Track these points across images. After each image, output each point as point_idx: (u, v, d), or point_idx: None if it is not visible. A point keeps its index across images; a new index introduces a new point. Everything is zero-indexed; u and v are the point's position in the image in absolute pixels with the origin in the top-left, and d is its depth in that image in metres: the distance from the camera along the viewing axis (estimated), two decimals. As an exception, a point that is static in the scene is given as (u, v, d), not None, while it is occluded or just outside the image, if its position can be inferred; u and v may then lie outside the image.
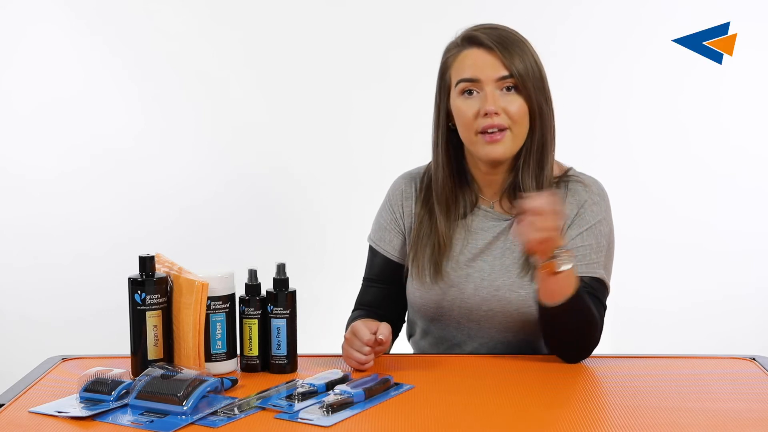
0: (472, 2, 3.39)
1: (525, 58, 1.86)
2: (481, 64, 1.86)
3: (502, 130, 1.85)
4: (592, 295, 1.86)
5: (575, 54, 3.43)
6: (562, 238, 1.75)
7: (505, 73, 1.85)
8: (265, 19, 3.52)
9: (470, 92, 1.87)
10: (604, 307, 1.90)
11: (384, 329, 1.77)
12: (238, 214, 3.56)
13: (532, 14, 3.37)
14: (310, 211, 3.58)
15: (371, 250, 2.04)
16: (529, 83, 1.86)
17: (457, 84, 1.88)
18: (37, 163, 3.53)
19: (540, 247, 1.72)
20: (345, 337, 1.80)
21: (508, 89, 1.86)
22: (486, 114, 1.84)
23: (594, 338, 1.83)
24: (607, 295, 1.92)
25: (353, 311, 2.05)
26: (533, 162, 1.89)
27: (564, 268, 1.73)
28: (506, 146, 1.86)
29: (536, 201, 1.70)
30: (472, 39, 1.88)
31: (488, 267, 1.92)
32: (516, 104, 1.86)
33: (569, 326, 1.79)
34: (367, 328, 1.76)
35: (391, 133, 3.51)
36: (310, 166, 3.57)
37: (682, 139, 3.49)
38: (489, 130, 1.85)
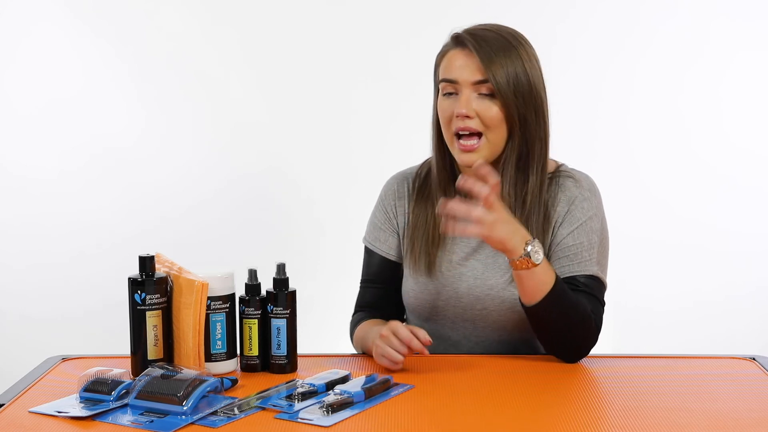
0: (472, 2, 3.39)
1: (509, 65, 1.83)
2: (461, 65, 1.85)
3: (475, 135, 1.85)
4: (588, 293, 1.85)
5: (575, 54, 3.43)
6: (527, 231, 1.75)
7: (481, 77, 1.84)
8: (265, 19, 3.52)
9: (450, 93, 1.87)
10: (602, 304, 1.89)
11: (423, 334, 1.76)
12: (238, 213, 3.57)
13: (532, 14, 3.37)
14: (310, 211, 3.58)
15: (367, 250, 2.04)
16: (508, 91, 1.83)
17: (440, 83, 1.89)
18: (37, 163, 3.53)
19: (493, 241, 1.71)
20: (381, 334, 1.77)
21: (486, 94, 1.85)
22: (458, 116, 1.84)
23: (588, 336, 1.82)
24: (604, 291, 1.91)
25: (354, 314, 2.04)
26: (513, 171, 1.88)
27: (539, 258, 1.72)
28: (481, 154, 1.85)
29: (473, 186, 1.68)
30: (457, 39, 1.88)
31: (481, 266, 1.91)
32: (491, 110, 1.84)
33: (558, 324, 1.79)
34: (406, 329, 1.75)
35: (391, 134, 3.51)
36: (310, 166, 3.57)
37: (683, 139, 3.49)
38: (461, 132, 1.85)
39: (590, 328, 1.82)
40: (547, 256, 1.88)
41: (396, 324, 1.77)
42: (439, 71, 1.91)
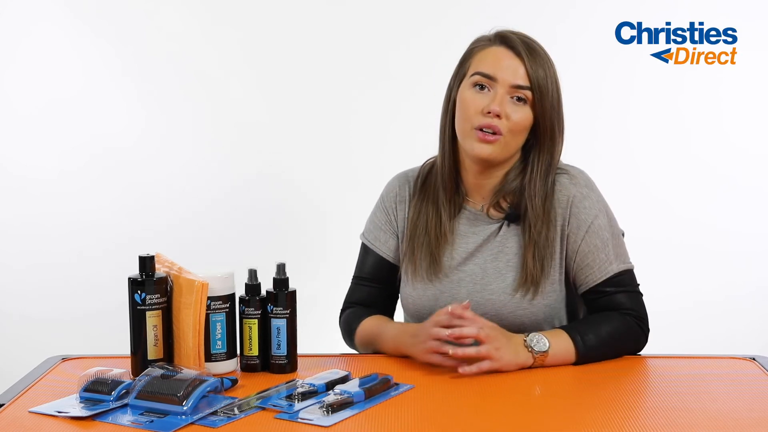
0: (472, 3, 3.39)
1: (548, 78, 1.86)
2: (505, 65, 1.85)
3: (496, 133, 1.84)
4: (622, 291, 1.87)
5: (575, 54, 3.43)
6: (517, 336, 1.78)
7: (524, 83, 1.84)
8: (265, 19, 3.52)
9: (482, 87, 1.86)
10: (639, 293, 1.90)
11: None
12: (238, 213, 3.57)
13: (532, 14, 3.37)
14: (310, 211, 3.58)
15: (364, 247, 2.03)
16: (546, 101, 1.85)
17: (472, 75, 1.87)
18: (37, 163, 3.53)
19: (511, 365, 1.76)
20: (414, 329, 1.80)
21: (519, 99, 1.85)
22: (489, 113, 1.83)
23: (639, 337, 1.87)
24: (634, 275, 1.92)
25: (344, 310, 2.04)
26: (541, 184, 1.88)
27: (545, 346, 1.77)
28: (495, 150, 1.85)
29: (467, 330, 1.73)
30: (504, 38, 1.88)
31: (480, 270, 1.90)
32: (520, 115, 1.84)
33: (608, 354, 1.84)
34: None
35: (391, 134, 3.51)
36: (310, 166, 3.57)
37: (683, 140, 3.50)
38: (484, 129, 1.84)
39: (635, 332, 1.86)
40: (566, 266, 1.89)
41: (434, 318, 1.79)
42: (472, 62, 1.89)
